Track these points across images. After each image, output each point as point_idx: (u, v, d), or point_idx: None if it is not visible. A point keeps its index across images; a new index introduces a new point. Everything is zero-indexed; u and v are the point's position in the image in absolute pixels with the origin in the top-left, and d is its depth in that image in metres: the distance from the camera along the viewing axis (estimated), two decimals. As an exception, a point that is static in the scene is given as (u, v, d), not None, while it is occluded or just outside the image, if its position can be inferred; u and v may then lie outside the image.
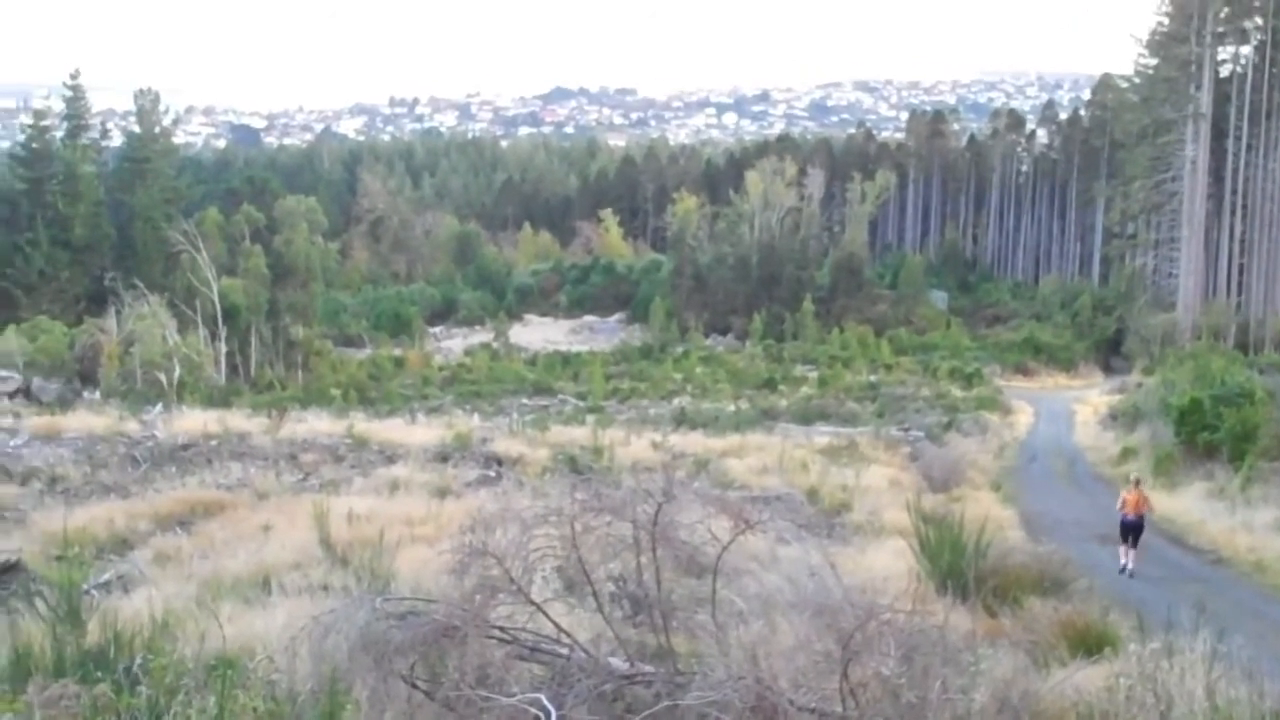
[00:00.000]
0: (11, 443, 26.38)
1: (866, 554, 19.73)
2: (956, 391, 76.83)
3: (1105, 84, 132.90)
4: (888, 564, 17.92)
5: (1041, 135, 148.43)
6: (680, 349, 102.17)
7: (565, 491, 9.23)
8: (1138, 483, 26.02)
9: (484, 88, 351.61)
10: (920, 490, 31.07)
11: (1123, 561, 24.37)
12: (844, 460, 37.62)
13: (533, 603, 8.39)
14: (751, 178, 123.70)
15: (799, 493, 28.91)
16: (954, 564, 15.73)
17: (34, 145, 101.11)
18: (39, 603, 9.23)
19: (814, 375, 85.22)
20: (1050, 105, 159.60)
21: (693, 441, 41.03)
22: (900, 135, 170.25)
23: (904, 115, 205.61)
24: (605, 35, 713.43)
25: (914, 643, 7.64)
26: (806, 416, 61.63)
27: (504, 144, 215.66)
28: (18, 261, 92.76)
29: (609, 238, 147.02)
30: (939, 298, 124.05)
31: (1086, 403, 72.19)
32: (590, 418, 53.61)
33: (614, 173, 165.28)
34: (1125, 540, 24.66)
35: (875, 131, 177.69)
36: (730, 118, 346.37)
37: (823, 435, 48.56)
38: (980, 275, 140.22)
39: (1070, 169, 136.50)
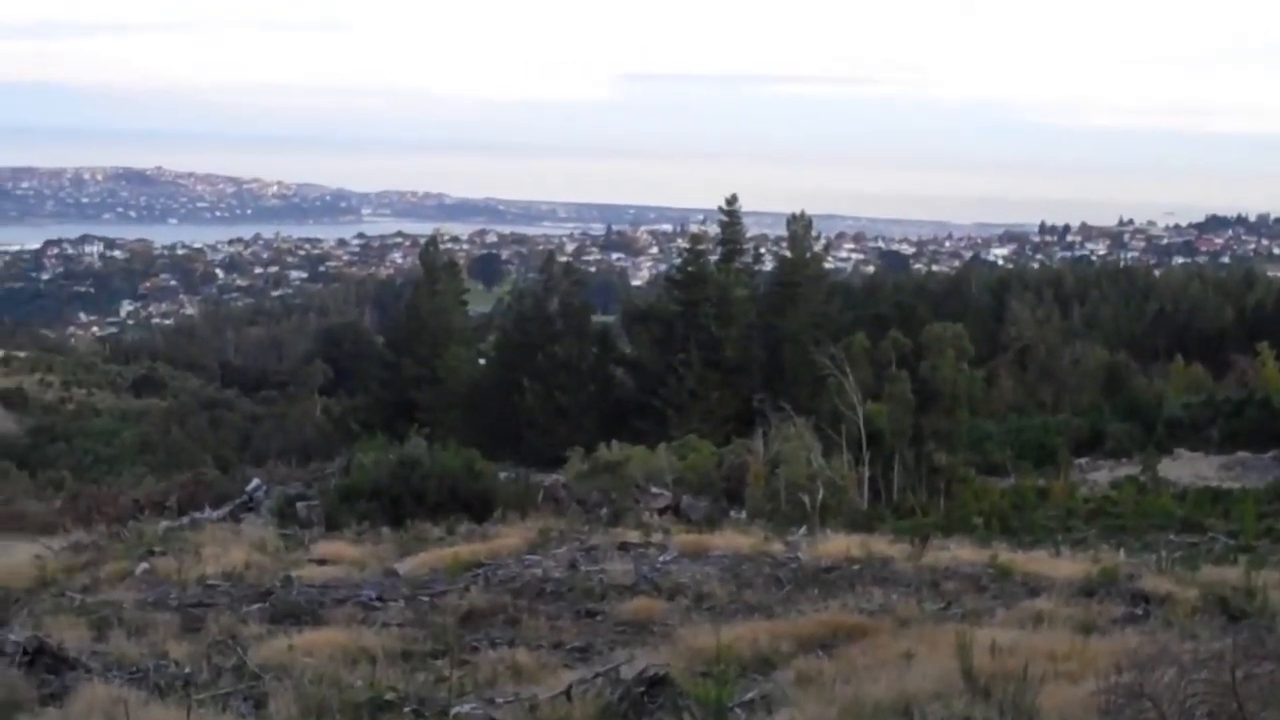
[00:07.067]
0: (660, 559, 27.16)
1: None
2: None
3: None
4: None
5: None
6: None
7: (1216, 634, 8.84)
8: None
9: (1138, 216, 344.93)
10: None
11: None
12: None
13: (1187, 749, 8.04)
14: None
15: None
16: None
17: (689, 269, 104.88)
18: (686, 718, 9.41)
19: None
20: None
21: (1355, 587, 38.91)
22: None
23: None
24: (1264, 164, 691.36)
25: None
26: None
27: (1157, 273, 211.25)
28: (670, 381, 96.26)
29: (1266, 371, 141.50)
30: None
31: None
32: (1242, 557, 51.54)
33: (1272, 304, 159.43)
34: None
35: None
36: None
37: None
38: None
39: None
